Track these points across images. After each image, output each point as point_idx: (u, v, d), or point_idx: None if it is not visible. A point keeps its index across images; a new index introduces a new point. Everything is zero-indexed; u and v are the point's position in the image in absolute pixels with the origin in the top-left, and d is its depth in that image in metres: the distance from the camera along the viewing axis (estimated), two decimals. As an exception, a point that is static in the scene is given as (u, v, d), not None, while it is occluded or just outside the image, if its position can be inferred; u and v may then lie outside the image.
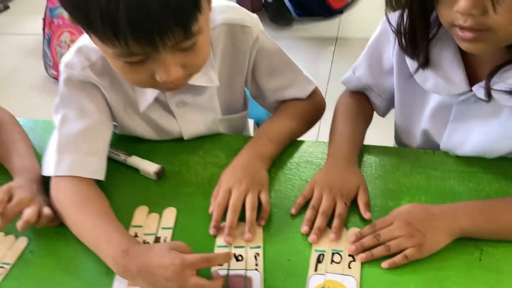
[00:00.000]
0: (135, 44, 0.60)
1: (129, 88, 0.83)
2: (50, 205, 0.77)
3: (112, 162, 0.87)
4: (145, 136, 0.90)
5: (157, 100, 0.84)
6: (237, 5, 0.84)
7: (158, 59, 0.65)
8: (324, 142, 0.86)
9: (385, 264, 0.65)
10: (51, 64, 2.23)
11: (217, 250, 0.71)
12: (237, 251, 0.71)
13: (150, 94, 0.82)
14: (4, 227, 0.72)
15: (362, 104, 0.88)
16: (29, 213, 0.72)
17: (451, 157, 0.80)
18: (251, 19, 0.82)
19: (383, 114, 0.91)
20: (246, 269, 0.68)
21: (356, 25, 2.48)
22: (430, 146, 0.83)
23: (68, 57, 0.81)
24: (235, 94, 0.90)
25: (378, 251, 0.66)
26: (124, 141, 0.91)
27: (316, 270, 0.67)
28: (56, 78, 2.25)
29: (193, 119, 0.88)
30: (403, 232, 0.65)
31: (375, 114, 0.90)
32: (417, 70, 0.74)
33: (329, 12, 2.51)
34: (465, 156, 0.79)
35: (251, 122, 1.12)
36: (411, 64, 0.74)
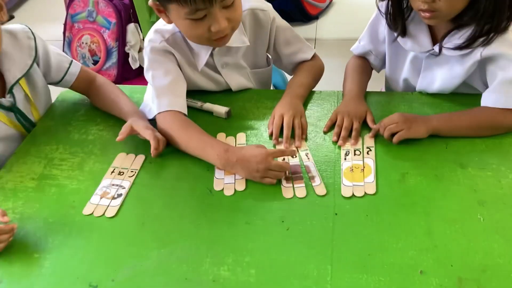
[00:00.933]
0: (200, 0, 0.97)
1: (191, 55, 1.20)
2: None
3: (192, 110, 1.23)
4: (205, 87, 1.26)
5: (208, 64, 1.21)
6: None
7: (212, 15, 1.00)
8: (336, 91, 1.26)
9: (394, 139, 1.04)
10: (71, 63, 2.53)
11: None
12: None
13: (203, 57, 1.19)
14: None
15: (365, 64, 1.29)
16: (161, 137, 1.08)
17: (424, 95, 1.21)
18: (267, 5, 1.22)
19: (378, 70, 1.32)
20: (302, 162, 1.06)
21: (330, 29, 2.92)
22: (409, 89, 1.25)
23: (150, 36, 1.19)
24: (259, 56, 1.29)
25: (387, 131, 1.05)
26: (198, 95, 1.27)
27: (345, 159, 1.06)
28: (74, 76, 2.55)
29: (233, 75, 1.26)
30: (399, 119, 1.05)
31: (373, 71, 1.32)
32: (396, 38, 1.15)
33: (307, 18, 2.94)
34: (433, 93, 1.20)
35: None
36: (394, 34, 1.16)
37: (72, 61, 1.25)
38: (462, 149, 1.05)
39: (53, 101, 1.32)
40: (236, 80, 1.27)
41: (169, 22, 1.10)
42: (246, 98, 1.27)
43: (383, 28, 1.20)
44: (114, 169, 1.08)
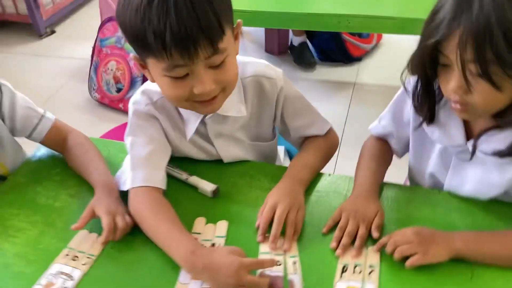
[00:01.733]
0: (177, 54, 0.81)
1: (180, 121, 1.04)
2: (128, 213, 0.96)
3: (175, 181, 1.07)
4: (194, 157, 1.10)
5: (199, 132, 1.05)
6: (266, 62, 1.07)
7: (196, 74, 0.85)
8: (348, 176, 1.05)
9: (407, 264, 0.83)
10: (95, 88, 2.46)
11: (261, 256, 0.90)
12: (277, 258, 0.89)
13: (193, 124, 1.03)
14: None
15: (384, 148, 1.08)
16: (121, 224, 0.92)
17: (453, 197, 0.99)
18: (276, 72, 1.04)
19: (400, 156, 1.10)
20: (287, 273, 0.86)
21: (372, 73, 2.70)
22: (437, 185, 1.02)
23: (136, 97, 1.05)
24: (263, 128, 1.11)
25: (398, 252, 0.84)
26: (185, 163, 1.11)
27: (341, 277, 0.85)
28: (98, 101, 2.47)
29: (228, 146, 1.09)
30: (414, 239, 0.84)
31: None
32: (421, 124, 0.93)
33: (349, 59, 2.73)
34: (465, 196, 0.98)
35: (281, 151, 1.34)
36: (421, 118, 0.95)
37: (42, 116, 1.12)
38: (492, 282, 0.82)
39: (31, 153, 1.20)
40: (231, 152, 1.11)
41: (152, 80, 0.95)
42: (240, 172, 1.09)
43: (409, 109, 0.99)
44: (70, 251, 0.93)
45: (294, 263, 0.88)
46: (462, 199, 0.98)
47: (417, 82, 0.91)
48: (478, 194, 0.95)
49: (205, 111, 0.98)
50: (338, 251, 0.88)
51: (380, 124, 1.07)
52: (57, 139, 1.13)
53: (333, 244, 0.90)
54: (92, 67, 2.47)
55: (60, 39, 3.25)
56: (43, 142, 1.14)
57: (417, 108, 0.94)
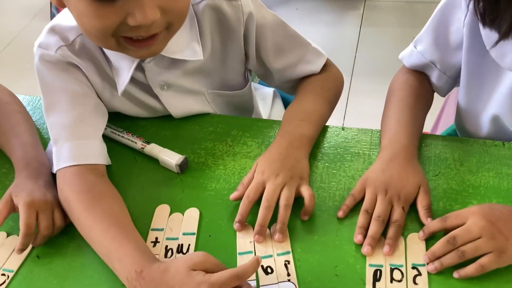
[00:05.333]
0: None
1: (107, 68, 0.73)
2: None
3: (126, 150, 0.77)
4: (132, 114, 0.80)
5: (135, 81, 0.74)
6: None
7: None
8: (372, 130, 0.74)
9: (456, 273, 0.55)
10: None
11: (239, 258, 0.62)
12: (265, 262, 0.61)
13: (125, 73, 0.71)
14: None
15: (424, 84, 0.75)
16: (44, 223, 0.64)
17: (527, 151, 0.68)
18: None
19: (444, 94, 0.78)
20: (278, 282, 0.59)
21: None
22: (501, 136, 0.71)
23: (40, 38, 0.72)
24: (229, 73, 0.80)
25: (448, 259, 0.56)
26: (136, 124, 0.80)
27: (373, 288, 0.57)
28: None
29: (179, 100, 0.78)
30: (483, 231, 0.54)
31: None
32: (496, 42, 0.60)
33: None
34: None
35: (269, 96, 1.02)
36: (488, 35, 0.61)
37: None
38: None
39: None
40: (184, 106, 0.80)
41: (61, 5, 0.62)
42: (219, 135, 0.78)
43: (460, 25, 0.66)
44: (-22, 266, 0.65)
45: (286, 264, 0.60)
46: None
47: None
48: None
49: (140, 55, 0.67)
50: (366, 247, 0.59)
51: (416, 50, 0.74)
52: None
53: (358, 237, 0.60)
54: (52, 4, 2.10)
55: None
56: None
57: (484, 16, 0.58)
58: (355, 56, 1.88)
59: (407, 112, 0.70)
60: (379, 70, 1.75)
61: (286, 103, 1.07)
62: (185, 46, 0.71)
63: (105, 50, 0.71)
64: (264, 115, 0.99)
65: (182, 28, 0.66)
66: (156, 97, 0.77)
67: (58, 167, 0.68)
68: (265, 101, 1.02)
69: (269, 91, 1.04)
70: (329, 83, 0.79)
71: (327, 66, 0.80)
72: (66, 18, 0.70)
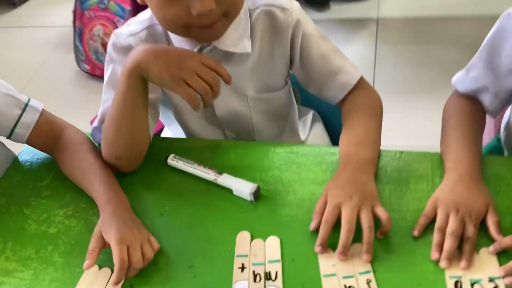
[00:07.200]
0: None
1: None
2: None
3: (198, 182, 0.81)
4: (178, 104, 0.91)
5: None
6: None
7: None
8: (431, 152, 0.79)
9: None
10: (84, 59, 2.16)
11: (324, 280, 0.66)
12: (348, 283, 0.65)
13: None
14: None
15: (477, 107, 0.80)
16: (136, 258, 0.68)
17: None
18: (291, 3, 0.86)
19: (495, 116, 0.84)
20: None
21: (396, 4, 2.36)
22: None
23: (119, 29, 0.88)
24: (274, 74, 0.90)
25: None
26: (202, 154, 0.86)
27: (455, 304, 0.61)
28: (88, 73, 2.17)
29: (225, 95, 0.86)
30: None
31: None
32: None
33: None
34: None
35: (309, 117, 1.08)
36: None
37: (26, 105, 0.85)
38: None
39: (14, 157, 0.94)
40: (228, 103, 0.90)
41: (142, 1, 0.78)
42: (284, 163, 0.83)
43: (510, 51, 0.71)
44: (78, 299, 0.69)
45: (369, 282, 0.64)
46: None
47: None
48: None
49: (205, 38, 0.80)
50: (444, 261, 0.64)
51: (469, 76, 0.79)
52: (47, 136, 0.87)
53: (436, 254, 0.65)
54: (76, 34, 2.15)
55: (36, 6, 2.89)
56: (29, 141, 0.87)
57: None
58: (374, 74, 1.94)
59: (467, 135, 0.75)
60: (398, 87, 1.82)
61: (326, 124, 1.12)
62: (237, 42, 0.82)
63: (171, 38, 0.84)
64: (303, 136, 1.04)
65: (236, 27, 0.80)
66: None
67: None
68: (305, 124, 1.08)
69: (310, 114, 1.10)
70: (373, 103, 0.86)
71: (364, 84, 0.87)
72: (140, 15, 0.86)
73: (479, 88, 0.79)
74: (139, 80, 0.75)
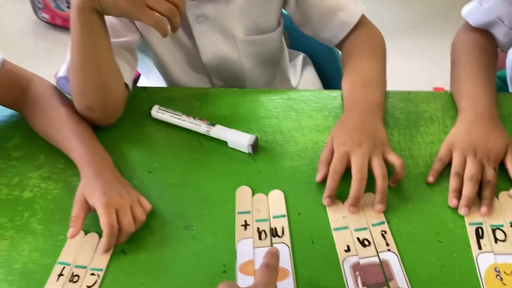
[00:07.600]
0: None
1: None
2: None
3: (189, 134, 0.74)
4: (157, 51, 0.82)
5: None
6: None
7: None
8: (440, 92, 0.74)
9: None
10: (41, 7, 1.98)
11: (335, 234, 0.61)
12: (361, 235, 0.61)
13: None
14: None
15: (490, 41, 0.74)
16: (126, 222, 0.61)
17: None
18: None
19: (507, 50, 0.78)
20: (377, 253, 0.59)
21: None
22: None
23: None
24: (267, 14, 0.81)
25: None
26: (190, 105, 0.77)
27: (480, 248, 0.57)
28: (47, 22, 2.00)
29: (212, 37, 0.79)
30: None
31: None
32: None
33: None
34: None
35: (299, 61, 1.00)
36: None
37: None
38: None
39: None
40: (214, 46, 0.81)
41: None
42: (282, 110, 0.76)
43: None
44: (63, 268, 0.62)
45: (383, 234, 0.60)
46: None
47: None
48: None
49: None
50: (463, 208, 0.60)
51: (481, 7, 0.73)
52: (12, 90, 0.76)
53: (454, 201, 0.61)
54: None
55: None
56: None
57: None
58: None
59: (482, 71, 0.69)
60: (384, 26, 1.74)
61: (317, 68, 1.05)
62: None
63: None
64: (294, 81, 0.97)
65: None
66: (189, 32, 0.77)
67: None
68: (295, 68, 1.01)
69: (299, 57, 1.02)
70: (376, 42, 0.79)
71: (366, 21, 0.80)
72: None
73: (493, 20, 0.73)
74: (94, 15, 0.64)
